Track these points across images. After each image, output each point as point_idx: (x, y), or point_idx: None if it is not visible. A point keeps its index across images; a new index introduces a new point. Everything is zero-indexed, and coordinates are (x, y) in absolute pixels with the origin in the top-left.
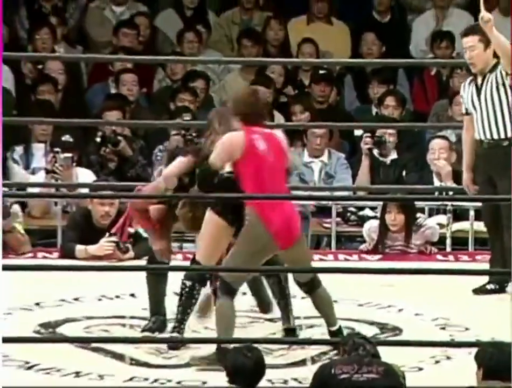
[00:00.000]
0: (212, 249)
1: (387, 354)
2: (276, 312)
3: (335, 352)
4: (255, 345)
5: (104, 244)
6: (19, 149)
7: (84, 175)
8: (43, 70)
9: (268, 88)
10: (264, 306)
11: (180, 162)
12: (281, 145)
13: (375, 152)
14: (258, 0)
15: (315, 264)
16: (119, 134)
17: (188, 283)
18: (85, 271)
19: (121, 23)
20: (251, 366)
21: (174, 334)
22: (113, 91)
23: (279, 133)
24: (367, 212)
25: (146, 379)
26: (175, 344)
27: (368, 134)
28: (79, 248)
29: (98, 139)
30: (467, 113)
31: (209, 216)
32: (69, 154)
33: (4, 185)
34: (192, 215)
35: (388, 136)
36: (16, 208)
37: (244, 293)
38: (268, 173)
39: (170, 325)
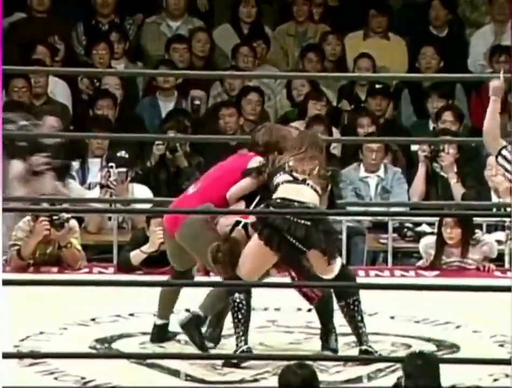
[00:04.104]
0: (255, 271)
1: (444, 371)
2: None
3: (391, 369)
4: (309, 362)
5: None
6: (75, 164)
7: (141, 191)
8: (100, 86)
9: (320, 101)
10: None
11: (246, 182)
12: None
13: (435, 165)
14: (312, 13)
15: (371, 280)
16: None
17: (243, 296)
18: (139, 286)
19: (173, 38)
20: (298, 384)
21: (241, 350)
22: (161, 104)
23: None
24: (424, 228)
25: None
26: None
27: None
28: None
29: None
30: None
31: (257, 242)
32: (123, 169)
33: (59, 200)
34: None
35: (447, 147)
36: (73, 223)
37: (299, 309)
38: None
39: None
